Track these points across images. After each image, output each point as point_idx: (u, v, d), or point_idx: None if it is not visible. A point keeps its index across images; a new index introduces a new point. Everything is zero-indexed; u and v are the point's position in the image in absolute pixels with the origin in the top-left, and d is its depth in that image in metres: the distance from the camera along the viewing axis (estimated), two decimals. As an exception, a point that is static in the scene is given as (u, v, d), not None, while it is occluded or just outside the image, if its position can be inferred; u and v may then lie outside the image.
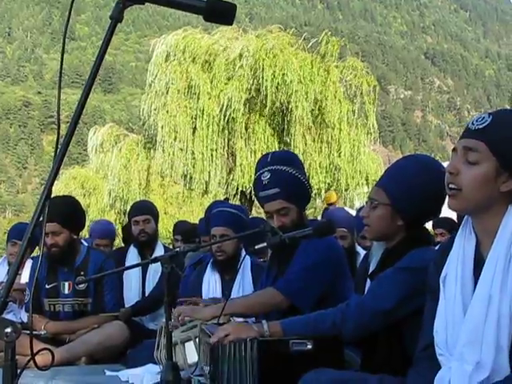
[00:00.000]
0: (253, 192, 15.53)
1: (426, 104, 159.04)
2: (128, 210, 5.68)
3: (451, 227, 5.43)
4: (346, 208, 11.33)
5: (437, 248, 2.06)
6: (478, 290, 1.70)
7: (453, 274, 1.79)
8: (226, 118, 15.81)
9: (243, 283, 3.90)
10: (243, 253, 3.93)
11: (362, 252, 4.82)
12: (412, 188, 2.31)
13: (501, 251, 1.70)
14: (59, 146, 1.31)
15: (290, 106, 15.75)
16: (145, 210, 5.14)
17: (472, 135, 1.76)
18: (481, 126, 1.74)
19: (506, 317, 1.64)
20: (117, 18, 1.34)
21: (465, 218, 1.86)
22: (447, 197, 1.80)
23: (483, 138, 1.73)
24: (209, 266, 4.06)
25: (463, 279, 1.76)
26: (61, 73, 1.42)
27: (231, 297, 3.50)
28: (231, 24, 1.43)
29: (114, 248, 6.19)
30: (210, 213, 4.35)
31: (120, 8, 1.34)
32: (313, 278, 3.01)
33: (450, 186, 1.77)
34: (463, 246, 1.82)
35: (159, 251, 4.94)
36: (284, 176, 3.06)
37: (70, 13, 1.43)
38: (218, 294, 3.93)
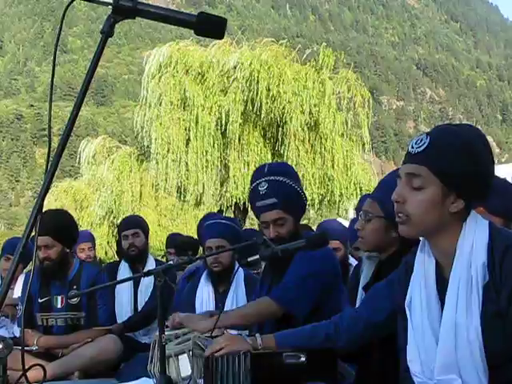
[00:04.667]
0: (247, 203, 15.53)
1: (417, 114, 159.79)
2: (118, 224, 5.67)
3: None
4: (340, 219, 11.34)
5: (400, 265, 2.01)
6: (445, 319, 1.68)
7: (417, 300, 1.77)
8: (220, 129, 15.82)
9: (237, 295, 3.89)
10: (236, 265, 3.92)
11: (354, 263, 4.80)
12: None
13: (462, 273, 1.68)
14: (51, 159, 1.31)
15: (285, 118, 15.77)
16: (133, 224, 5.14)
17: (413, 160, 1.73)
18: (420, 149, 1.71)
19: (474, 343, 1.62)
20: (107, 33, 1.34)
21: (421, 241, 1.83)
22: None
23: (424, 161, 1.70)
24: (202, 278, 4.05)
25: (428, 304, 1.74)
26: (52, 86, 1.42)
27: (225, 309, 3.48)
28: (222, 38, 1.43)
29: (107, 262, 6.17)
30: (203, 225, 4.34)
31: (111, 22, 1.34)
32: (308, 287, 3.00)
33: (399, 214, 1.75)
34: (424, 269, 1.79)
35: (151, 265, 4.91)
36: (282, 186, 3.06)
37: (61, 25, 1.43)
38: (212, 306, 3.91)
